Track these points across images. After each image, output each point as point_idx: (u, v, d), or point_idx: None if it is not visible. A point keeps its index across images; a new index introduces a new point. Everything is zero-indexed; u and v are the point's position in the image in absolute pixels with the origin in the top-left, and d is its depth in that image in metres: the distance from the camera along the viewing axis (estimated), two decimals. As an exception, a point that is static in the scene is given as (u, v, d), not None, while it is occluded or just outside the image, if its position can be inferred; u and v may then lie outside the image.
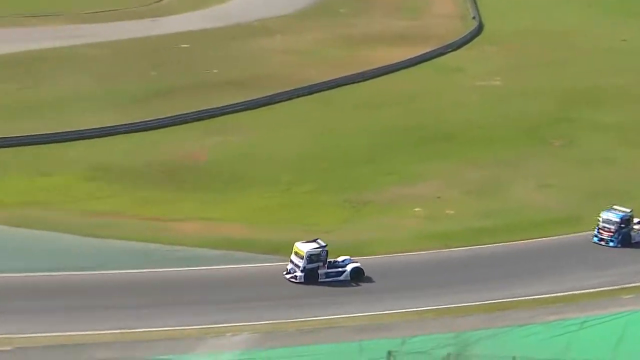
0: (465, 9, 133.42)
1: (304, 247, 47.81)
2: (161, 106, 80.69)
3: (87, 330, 41.71)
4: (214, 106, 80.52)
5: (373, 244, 53.52)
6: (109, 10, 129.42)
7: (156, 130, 75.24)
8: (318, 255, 47.67)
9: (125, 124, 75.03)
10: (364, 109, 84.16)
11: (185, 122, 77.49)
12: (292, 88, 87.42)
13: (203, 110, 79.53)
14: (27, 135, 70.82)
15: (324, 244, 48.17)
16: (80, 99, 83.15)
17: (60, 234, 53.56)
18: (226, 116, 79.70)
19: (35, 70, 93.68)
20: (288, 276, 47.81)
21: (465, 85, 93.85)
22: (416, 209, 59.97)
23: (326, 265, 47.90)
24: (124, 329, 42.03)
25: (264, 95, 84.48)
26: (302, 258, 47.56)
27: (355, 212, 59.66)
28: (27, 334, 40.95)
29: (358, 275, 48.37)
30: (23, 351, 39.84)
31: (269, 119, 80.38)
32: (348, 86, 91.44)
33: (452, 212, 59.74)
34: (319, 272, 47.72)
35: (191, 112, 78.73)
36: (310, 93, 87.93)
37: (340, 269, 48.27)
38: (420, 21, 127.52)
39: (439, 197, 62.17)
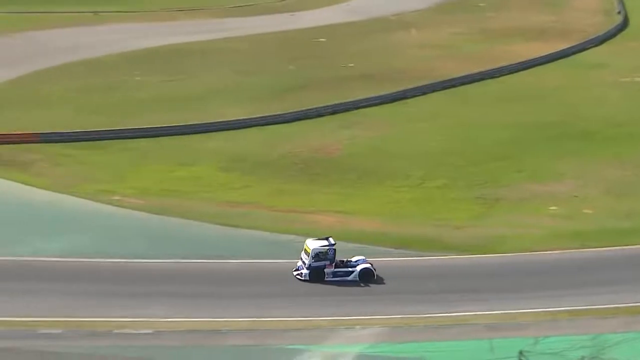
0: (610, 4, 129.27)
1: (312, 245, 46.75)
2: (297, 99, 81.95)
3: (221, 317, 42.77)
4: (349, 100, 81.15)
5: (505, 241, 52.60)
6: (249, 5, 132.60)
7: (291, 123, 76.48)
8: (325, 253, 46.35)
9: (262, 117, 76.66)
10: (499, 105, 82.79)
11: (320, 115, 78.44)
12: (426, 83, 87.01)
13: (338, 104, 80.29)
14: (169, 126, 73.45)
15: (333, 243, 46.97)
16: (220, 92, 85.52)
17: (197, 223, 55.05)
18: (360, 110, 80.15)
19: (178, 63, 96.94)
20: (295, 273, 46.97)
21: (607, 81, 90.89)
22: (551, 208, 58.58)
23: (334, 265, 46.68)
24: (256, 317, 42.90)
25: (398, 90, 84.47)
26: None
27: (487, 208, 58.79)
28: (166, 318, 42.37)
29: (367, 277, 46.75)
30: (162, 335, 41.27)
31: (403, 113, 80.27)
32: (484, 81, 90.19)
33: (590, 211, 58.04)
34: (325, 271, 46.49)
35: (326, 106, 79.63)
36: (445, 88, 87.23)
37: (349, 269, 46.82)
38: (561, 16, 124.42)
39: (575, 196, 60.52)
